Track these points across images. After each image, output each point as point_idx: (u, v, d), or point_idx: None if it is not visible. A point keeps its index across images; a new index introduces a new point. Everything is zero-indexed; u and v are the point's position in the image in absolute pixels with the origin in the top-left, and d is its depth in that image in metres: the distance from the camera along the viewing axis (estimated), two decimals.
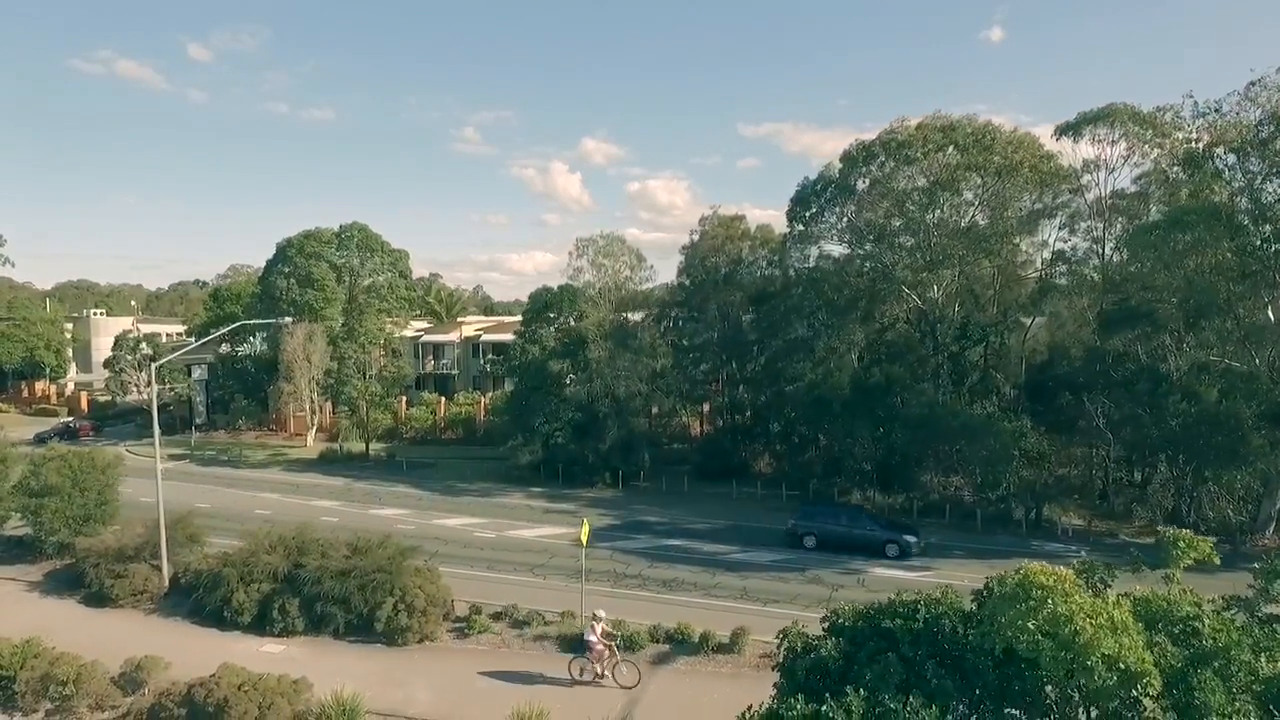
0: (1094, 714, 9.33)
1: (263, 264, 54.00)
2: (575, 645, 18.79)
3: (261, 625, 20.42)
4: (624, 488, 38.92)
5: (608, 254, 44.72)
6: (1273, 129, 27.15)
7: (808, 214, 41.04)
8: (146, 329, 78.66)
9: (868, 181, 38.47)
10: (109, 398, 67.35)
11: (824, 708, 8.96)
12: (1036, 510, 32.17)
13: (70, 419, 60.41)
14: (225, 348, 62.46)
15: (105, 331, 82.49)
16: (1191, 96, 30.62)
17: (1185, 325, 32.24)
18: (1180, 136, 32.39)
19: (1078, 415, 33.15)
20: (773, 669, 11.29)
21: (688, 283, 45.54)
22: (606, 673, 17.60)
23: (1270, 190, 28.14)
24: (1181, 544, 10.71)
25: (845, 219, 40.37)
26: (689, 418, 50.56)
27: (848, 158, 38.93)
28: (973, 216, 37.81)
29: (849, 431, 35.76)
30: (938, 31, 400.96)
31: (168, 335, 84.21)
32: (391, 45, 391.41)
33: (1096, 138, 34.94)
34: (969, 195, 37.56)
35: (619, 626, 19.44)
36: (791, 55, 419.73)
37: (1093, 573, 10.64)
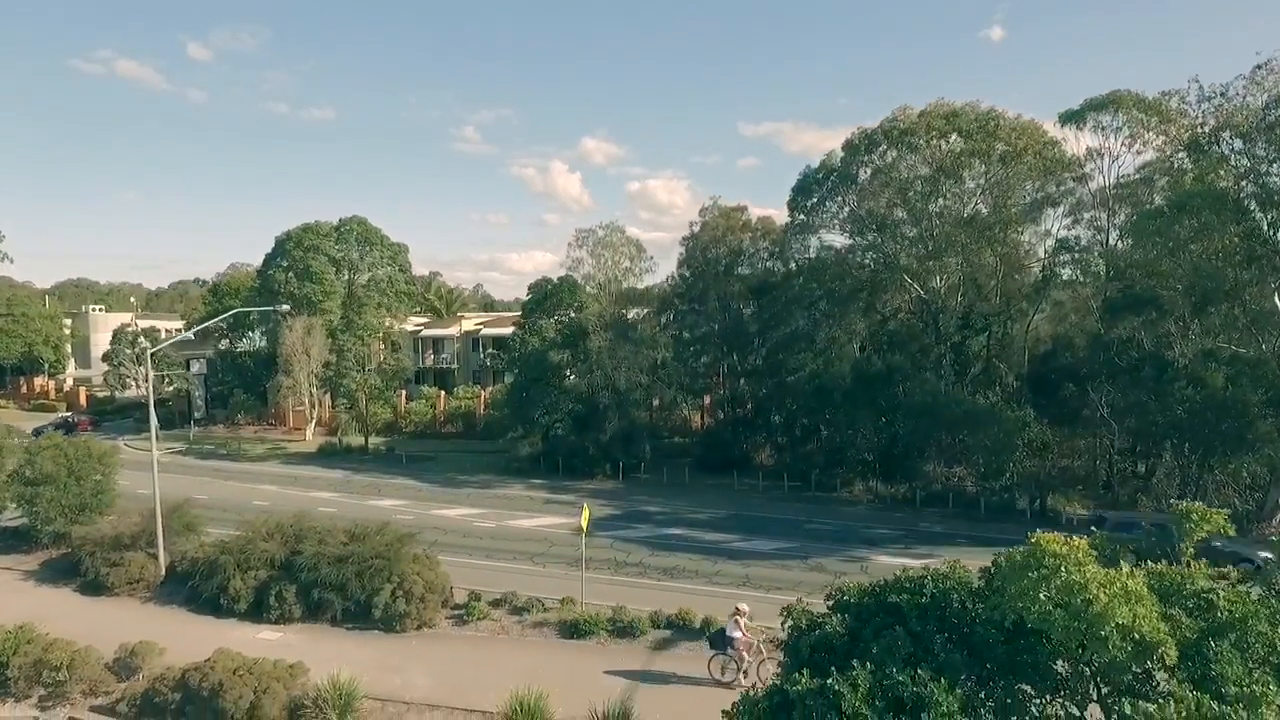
0: (1105, 690, 9.07)
1: (263, 263, 53.85)
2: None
3: (258, 612, 20.19)
4: (624, 479, 38.70)
5: (607, 244, 44.33)
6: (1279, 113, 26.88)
7: (809, 203, 40.76)
8: (145, 324, 78.39)
9: (870, 170, 38.17)
10: (107, 393, 67.22)
11: (829, 681, 8.70)
12: (1041, 500, 31.95)
13: (68, 414, 60.25)
14: (224, 343, 62.33)
15: (104, 327, 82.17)
16: (1197, 81, 30.25)
17: (1191, 311, 31.93)
18: (1185, 122, 32.09)
19: (1081, 405, 32.84)
20: (777, 648, 11.06)
21: (688, 274, 45.28)
22: (752, 671, 15.90)
23: (1277, 174, 27.85)
24: (1195, 516, 10.45)
25: (847, 208, 40.06)
26: (690, 410, 50.34)
27: (850, 146, 38.62)
28: (975, 205, 37.53)
29: (851, 421, 35.58)
30: (938, 29, 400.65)
31: (166, 331, 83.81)
32: (391, 44, 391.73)
33: (1100, 125, 34.71)
34: (972, 184, 37.30)
35: (620, 612, 19.21)
36: (792, 54, 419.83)
37: (1104, 548, 10.36)
